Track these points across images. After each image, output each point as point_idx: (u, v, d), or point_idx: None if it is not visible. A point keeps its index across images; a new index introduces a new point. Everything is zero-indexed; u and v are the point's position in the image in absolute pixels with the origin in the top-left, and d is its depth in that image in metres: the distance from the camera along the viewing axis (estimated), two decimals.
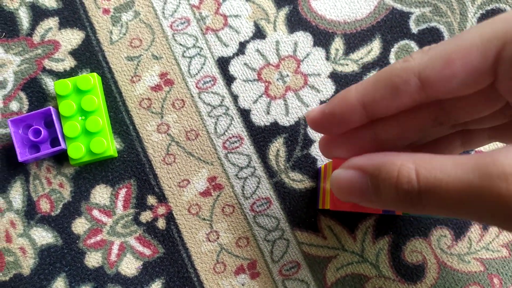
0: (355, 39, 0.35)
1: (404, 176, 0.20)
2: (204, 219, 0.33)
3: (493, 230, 0.33)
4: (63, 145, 0.32)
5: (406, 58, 0.21)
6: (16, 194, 0.33)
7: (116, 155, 0.33)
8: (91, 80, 0.33)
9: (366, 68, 0.35)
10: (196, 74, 0.35)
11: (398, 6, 0.35)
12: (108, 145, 0.32)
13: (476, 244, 0.32)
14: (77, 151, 0.32)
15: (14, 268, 0.33)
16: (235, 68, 0.35)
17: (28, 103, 0.34)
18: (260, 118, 0.34)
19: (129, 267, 0.33)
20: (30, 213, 0.33)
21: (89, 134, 0.32)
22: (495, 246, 0.32)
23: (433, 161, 0.20)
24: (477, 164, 0.18)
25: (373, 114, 0.22)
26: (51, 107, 0.32)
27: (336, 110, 0.23)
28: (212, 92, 0.35)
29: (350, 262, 0.32)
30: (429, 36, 0.35)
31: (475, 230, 0.33)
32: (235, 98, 0.35)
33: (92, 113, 0.32)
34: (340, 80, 0.34)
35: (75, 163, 0.32)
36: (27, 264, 0.33)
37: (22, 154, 0.32)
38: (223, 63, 0.35)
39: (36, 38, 0.35)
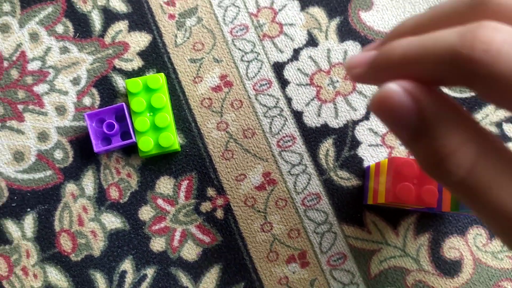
0: None
1: (456, 162, 0.17)
2: (259, 211, 0.34)
3: None
4: (134, 139, 0.32)
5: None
6: (88, 182, 0.34)
7: (180, 149, 0.34)
8: (160, 79, 0.33)
9: None
10: (253, 77, 0.35)
11: None
12: (174, 139, 0.32)
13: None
14: (146, 144, 0.32)
15: (85, 250, 0.33)
16: (289, 72, 0.35)
17: (99, 98, 0.34)
18: (311, 120, 0.34)
19: (190, 252, 0.33)
20: (101, 199, 0.34)
21: (157, 129, 0.32)
22: None
23: (497, 176, 0.17)
24: None
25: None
26: (123, 103, 0.33)
27: (378, 74, 0.19)
28: (268, 94, 0.35)
29: (392, 256, 0.33)
30: None
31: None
32: (289, 100, 0.35)
33: (160, 110, 0.33)
34: None
35: (144, 155, 0.33)
36: (98, 246, 0.33)
37: (97, 146, 0.32)
38: (278, 68, 0.35)
39: (107, 39, 0.35)
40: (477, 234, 0.32)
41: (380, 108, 0.18)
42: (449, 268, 0.32)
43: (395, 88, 0.18)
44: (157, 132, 0.32)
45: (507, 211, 0.16)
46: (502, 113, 0.34)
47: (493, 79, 0.16)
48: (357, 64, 0.21)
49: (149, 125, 0.32)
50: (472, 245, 0.32)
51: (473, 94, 0.34)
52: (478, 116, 0.34)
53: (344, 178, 0.33)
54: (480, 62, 0.16)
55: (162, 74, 0.33)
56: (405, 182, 0.27)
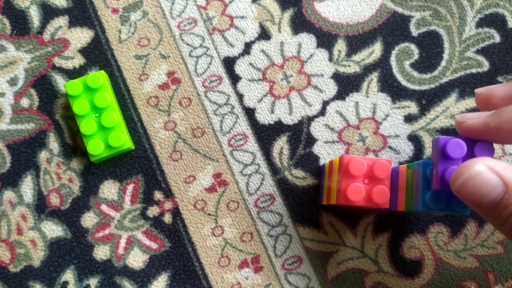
0: (357, 41, 0.32)
1: None
2: (209, 214, 0.31)
3: (488, 227, 0.30)
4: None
5: None
6: (27, 188, 0.30)
7: (133, 147, 0.31)
8: (101, 78, 0.30)
9: (368, 69, 0.32)
10: (203, 73, 0.32)
11: (399, 9, 0.32)
12: (125, 138, 0.29)
13: (472, 241, 0.30)
14: (96, 147, 0.29)
15: (25, 260, 0.30)
16: (240, 67, 0.32)
17: (38, 99, 0.31)
18: (264, 117, 0.31)
19: (136, 260, 0.30)
20: (41, 207, 0.30)
21: (105, 130, 0.29)
22: (490, 243, 0.30)
23: None
24: None
25: None
26: None
27: (504, 126, 0.20)
28: (218, 91, 0.32)
29: (350, 257, 0.30)
30: (428, 39, 0.32)
31: (471, 227, 0.30)
32: (240, 97, 0.32)
33: (105, 109, 0.30)
34: (343, 81, 0.32)
35: (96, 159, 0.30)
36: (38, 256, 0.30)
37: None
38: (229, 63, 0.32)
39: (46, 36, 0.32)
40: (438, 232, 0.30)
41: (470, 187, 0.18)
42: (410, 268, 0.29)
43: (482, 168, 0.18)
44: (105, 132, 0.29)
45: None
46: (463, 105, 0.31)
47: None
48: (474, 116, 0.21)
49: (96, 126, 0.29)
50: (434, 244, 0.30)
51: (432, 86, 0.31)
52: (438, 109, 0.31)
53: (299, 178, 0.30)
54: None
55: (103, 71, 0.30)
56: (355, 182, 0.24)
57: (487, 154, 0.22)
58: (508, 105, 0.20)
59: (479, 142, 0.22)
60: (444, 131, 0.31)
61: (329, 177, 0.28)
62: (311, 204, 0.30)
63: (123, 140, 0.29)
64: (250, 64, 0.32)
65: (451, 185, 0.19)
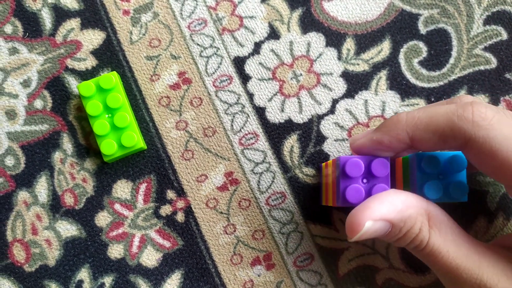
0: (365, 40, 0.32)
1: (419, 239, 0.22)
2: (221, 212, 0.30)
3: (498, 223, 0.30)
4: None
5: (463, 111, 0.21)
6: (42, 188, 0.30)
7: (146, 147, 0.30)
8: (113, 78, 0.29)
9: (377, 67, 0.31)
10: (213, 73, 0.32)
11: (407, 8, 0.32)
12: (138, 138, 0.29)
13: (481, 237, 0.30)
14: (110, 148, 0.29)
15: (40, 260, 0.30)
16: (250, 67, 0.32)
17: (51, 101, 0.31)
18: (274, 116, 0.31)
19: (150, 258, 0.30)
20: (55, 206, 0.30)
21: (118, 130, 0.29)
22: None
23: (448, 235, 0.22)
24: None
25: (415, 147, 0.23)
26: None
27: (384, 140, 0.23)
28: (228, 91, 0.31)
29: (361, 254, 0.30)
30: (437, 37, 0.31)
31: (480, 223, 0.30)
32: (250, 96, 0.31)
33: (118, 110, 0.29)
34: (352, 79, 0.31)
35: (109, 159, 0.29)
36: (53, 255, 0.30)
37: None
38: (239, 63, 0.32)
39: (58, 38, 0.32)
40: None
41: (365, 237, 0.22)
42: (420, 265, 0.29)
43: (369, 224, 0.22)
44: (118, 133, 0.29)
45: None
46: None
47: (487, 140, 0.20)
48: (361, 136, 0.24)
49: (109, 127, 0.29)
50: None
51: (441, 83, 0.31)
52: None
53: (310, 175, 0.30)
54: (479, 125, 0.20)
55: (115, 72, 0.30)
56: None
57: (383, 169, 0.23)
58: (385, 122, 0.24)
59: (375, 160, 0.23)
60: None
61: (326, 179, 0.28)
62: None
63: (135, 140, 0.29)
64: (260, 63, 0.32)
65: (349, 237, 0.22)
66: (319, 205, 0.30)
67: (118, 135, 0.29)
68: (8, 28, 0.31)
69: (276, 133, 0.31)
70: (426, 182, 0.23)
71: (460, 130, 0.21)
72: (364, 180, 0.24)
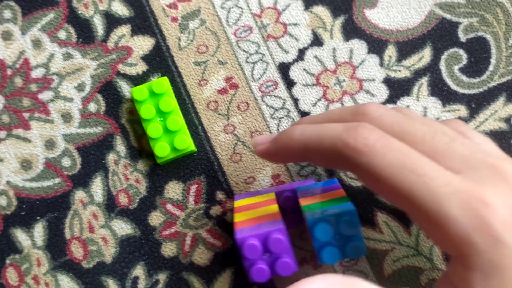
0: (407, 47, 0.33)
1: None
2: None
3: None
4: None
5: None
6: (97, 188, 0.31)
7: (196, 149, 0.31)
8: (165, 83, 0.30)
9: (418, 74, 0.32)
10: (259, 78, 0.33)
11: (448, 16, 0.33)
12: (190, 141, 0.30)
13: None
14: (163, 150, 0.30)
15: (97, 256, 0.31)
16: (295, 73, 0.33)
17: (104, 104, 0.32)
18: None
19: (202, 257, 0.31)
20: (110, 206, 0.31)
21: (170, 133, 0.30)
22: None
23: None
24: None
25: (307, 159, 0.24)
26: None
27: (279, 152, 0.24)
28: (274, 96, 0.32)
29: (405, 255, 0.31)
30: (476, 45, 0.32)
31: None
32: (295, 101, 0.32)
33: (170, 114, 0.30)
34: (393, 85, 0.32)
35: (162, 161, 0.30)
36: (109, 252, 0.31)
37: None
38: (283, 68, 0.33)
39: (110, 44, 0.33)
40: None
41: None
42: None
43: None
44: (170, 136, 0.30)
45: None
46: (510, 109, 0.31)
47: (370, 167, 0.20)
48: (262, 141, 0.26)
49: (162, 130, 0.30)
50: None
51: (481, 90, 0.32)
52: (487, 112, 0.31)
53: (354, 178, 0.31)
54: (360, 151, 0.20)
55: (166, 77, 0.31)
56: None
57: (280, 245, 0.23)
58: (281, 134, 0.24)
59: (270, 238, 0.23)
60: (494, 133, 0.31)
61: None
62: (366, 204, 0.31)
63: (187, 143, 0.30)
64: (304, 69, 0.32)
65: None
66: (363, 207, 0.31)
67: (171, 138, 0.30)
68: (62, 34, 0.32)
69: None
70: (323, 249, 0.24)
71: (344, 156, 0.21)
72: (266, 255, 0.24)
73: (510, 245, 0.19)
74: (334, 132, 0.21)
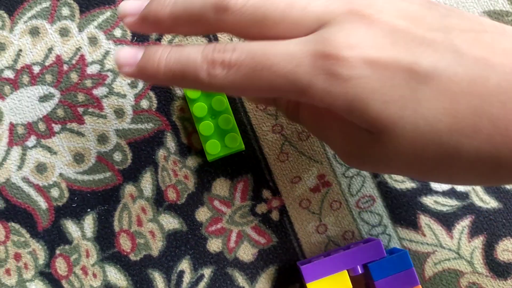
0: None
1: None
2: (313, 213, 0.32)
3: None
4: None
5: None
6: (147, 183, 0.32)
7: (244, 148, 0.32)
8: None
9: None
10: None
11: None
12: (240, 139, 0.31)
13: None
14: (214, 147, 0.30)
15: (144, 250, 0.32)
16: None
17: (156, 101, 0.33)
18: None
19: (246, 253, 0.32)
20: (159, 201, 0.32)
21: (221, 131, 0.31)
22: None
23: None
24: None
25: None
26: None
27: (147, 80, 0.24)
28: None
29: (447, 258, 0.31)
30: None
31: None
32: None
33: (222, 113, 0.31)
34: None
35: (212, 158, 0.31)
36: (156, 246, 0.32)
37: None
38: None
39: (164, 43, 0.33)
40: None
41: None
42: (503, 270, 0.30)
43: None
44: (221, 134, 0.30)
45: None
46: None
47: (231, 86, 0.20)
48: (129, 13, 0.23)
49: (213, 128, 0.30)
50: None
51: None
52: None
53: (398, 181, 0.32)
54: (217, 76, 0.20)
55: None
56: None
57: None
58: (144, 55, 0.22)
59: None
60: None
61: None
62: (409, 206, 0.31)
63: (238, 141, 0.30)
64: None
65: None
66: (406, 209, 0.31)
67: (222, 136, 0.31)
68: (118, 32, 0.33)
69: None
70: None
71: (207, 87, 0.21)
72: None
73: (360, 76, 0.18)
74: (194, 66, 0.21)
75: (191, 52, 0.21)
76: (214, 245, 0.32)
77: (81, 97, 0.33)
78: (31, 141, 0.32)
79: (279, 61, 0.19)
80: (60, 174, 0.32)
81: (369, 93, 0.18)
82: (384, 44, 0.19)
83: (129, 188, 0.32)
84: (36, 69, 0.33)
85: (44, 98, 0.32)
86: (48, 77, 0.33)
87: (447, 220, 0.31)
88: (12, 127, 0.32)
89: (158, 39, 0.33)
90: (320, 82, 0.19)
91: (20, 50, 0.33)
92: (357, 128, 0.20)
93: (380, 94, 0.18)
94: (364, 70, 0.18)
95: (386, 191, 0.32)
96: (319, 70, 0.19)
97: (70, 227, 0.32)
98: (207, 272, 0.31)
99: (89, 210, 0.32)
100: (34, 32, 0.33)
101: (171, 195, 0.32)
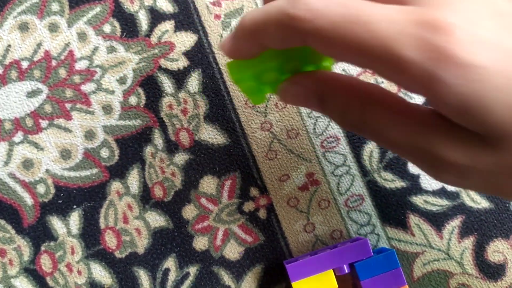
0: None
1: None
2: (301, 211, 0.31)
3: None
4: None
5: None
6: (133, 180, 0.32)
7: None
8: None
9: None
10: None
11: None
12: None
13: None
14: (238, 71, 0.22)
15: (130, 247, 0.31)
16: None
17: (145, 98, 0.32)
18: None
19: (233, 251, 0.31)
20: (145, 198, 0.32)
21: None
22: None
23: None
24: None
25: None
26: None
27: (241, 45, 0.21)
28: None
29: (436, 259, 0.30)
30: None
31: None
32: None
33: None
34: None
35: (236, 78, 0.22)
36: (142, 244, 0.31)
37: None
38: None
39: (153, 39, 0.33)
40: None
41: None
42: (493, 271, 0.30)
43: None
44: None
45: None
46: None
47: (317, 31, 0.17)
48: (226, 41, 0.22)
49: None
50: None
51: None
52: None
53: (388, 180, 0.31)
54: (304, 19, 0.17)
55: None
56: None
57: None
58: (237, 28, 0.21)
59: None
60: None
61: None
62: (399, 206, 0.31)
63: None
64: (344, 70, 0.33)
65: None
66: (396, 209, 0.31)
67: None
68: (107, 28, 0.33)
69: (356, 137, 0.32)
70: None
71: (292, 30, 0.18)
72: None
73: (481, 65, 0.15)
74: (278, 9, 0.18)
75: (273, 2, 0.19)
76: (200, 243, 0.31)
77: (69, 93, 0.32)
78: (18, 136, 0.32)
79: (378, 20, 0.16)
80: (47, 170, 0.32)
81: (492, 90, 0.15)
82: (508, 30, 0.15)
83: (116, 185, 0.32)
84: (25, 64, 0.32)
85: (32, 94, 0.32)
86: (37, 73, 0.32)
87: (437, 220, 0.31)
88: (0, 122, 0.32)
89: (148, 35, 0.33)
90: (426, 62, 0.15)
91: (9, 46, 0.33)
92: (463, 130, 0.16)
93: (506, 93, 0.15)
94: (486, 58, 0.15)
95: (375, 190, 0.31)
96: (426, 46, 0.15)
97: (56, 223, 0.31)
98: (192, 270, 0.31)
99: (75, 206, 0.31)
100: (23, 27, 0.33)
101: (158, 192, 0.31)
